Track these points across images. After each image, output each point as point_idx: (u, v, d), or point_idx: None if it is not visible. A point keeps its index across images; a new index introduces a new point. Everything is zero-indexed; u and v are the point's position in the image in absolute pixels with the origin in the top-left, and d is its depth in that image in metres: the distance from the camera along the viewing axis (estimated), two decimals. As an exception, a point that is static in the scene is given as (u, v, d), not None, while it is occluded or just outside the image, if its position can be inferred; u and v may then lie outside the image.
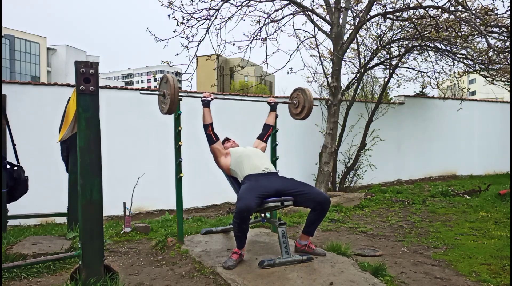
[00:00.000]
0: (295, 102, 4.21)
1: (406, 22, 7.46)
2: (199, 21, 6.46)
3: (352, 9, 7.21)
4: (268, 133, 4.05)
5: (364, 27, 7.91)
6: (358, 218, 5.69)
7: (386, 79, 9.14)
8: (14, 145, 4.21)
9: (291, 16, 7.02)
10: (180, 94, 3.39)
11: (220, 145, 3.73)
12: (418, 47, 8.30)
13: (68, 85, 6.97)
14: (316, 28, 7.08)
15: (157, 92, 3.50)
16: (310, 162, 8.27)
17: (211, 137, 3.67)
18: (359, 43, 8.17)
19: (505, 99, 13.47)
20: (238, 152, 3.69)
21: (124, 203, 4.76)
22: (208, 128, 3.67)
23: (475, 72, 9.06)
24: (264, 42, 7.02)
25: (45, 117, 6.42)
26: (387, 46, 8.43)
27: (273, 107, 4.13)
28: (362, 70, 8.45)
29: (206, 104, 3.72)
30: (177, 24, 6.36)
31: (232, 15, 6.64)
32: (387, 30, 8.21)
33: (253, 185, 3.28)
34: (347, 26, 7.50)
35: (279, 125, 4.31)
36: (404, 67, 9.29)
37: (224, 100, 8.68)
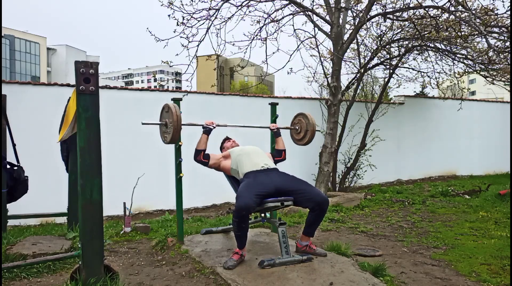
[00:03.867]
0: (297, 127, 4.18)
1: (406, 22, 7.46)
2: (199, 21, 6.46)
3: (352, 9, 7.20)
4: (281, 158, 3.97)
5: (364, 27, 7.91)
6: (358, 218, 5.69)
7: (386, 79, 9.16)
8: (14, 145, 4.20)
9: (291, 16, 7.02)
10: (182, 122, 3.31)
11: (214, 160, 3.72)
12: (418, 47, 8.30)
13: (68, 85, 6.97)
14: (316, 28, 7.08)
15: (159, 122, 3.45)
16: (310, 162, 8.26)
17: (203, 162, 3.66)
18: (359, 43, 8.16)
19: (505, 99, 13.47)
20: (237, 150, 3.71)
21: (124, 203, 4.76)
22: (199, 154, 3.63)
23: (475, 72, 9.06)
24: (264, 42, 7.01)
25: (45, 117, 6.42)
26: (387, 46, 8.42)
27: (276, 134, 4.04)
28: (362, 70, 8.45)
29: (207, 131, 3.68)
30: (177, 24, 6.35)
31: (232, 15, 6.64)
32: (387, 30, 8.21)
33: (252, 183, 3.27)
34: (347, 26, 7.50)
35: (279, 125, 4.30)
36: (404, 67, 9.29)
37: (223, 101, 8.71)
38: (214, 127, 3.71)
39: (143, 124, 3.39)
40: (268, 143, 4.34)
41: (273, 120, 4.36)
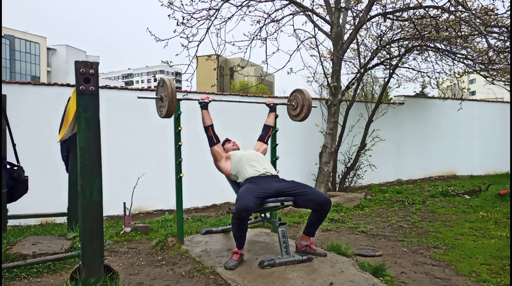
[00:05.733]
0: (293, 103, 4.21)
1: (406, 22, 7.46)
2: (199, 21, 6.46)
3: (352, 9, 7.20)
4: (269, 134, 4.03)
5: (364, 27, 7.91)
6: (358, 218, 5.69)
7: (386, 79, 9.15)
8: (14, 145, 4.21)
9: (291, 16, 7.02)
10: (177, 96, 3.38)
11: (220, 148, 3.72)
12: (418, 47, 8.30)
13: (68, 85, 6.97)
14: (316, 28, 7.08)
15: (154, 96, 3.49)
16: (310, 162, 8.27)
17: (212, 139, 3.66)
18: (359, 43, 8.16)
19: (505, 99, 13.47)
20: (238, 155, 3.67)
21: (124, 203, 4.76)
22: (209, 129, 3.67)
23: (475, 72, 9.05)
24: (264, 42, 7.01)
25: (45, 117, 6.42)
26: (387, 46, 8.42)
27: (272, 108, 4.12)
28: (362, 70, 8.45)
29: (204, 106, 3.72)
30: (177, 24, 6.35)
31: (232, 15, 6.64)
32: (387, 30, 8.21)
33: (253, 186, 3.28)
34: (347, 26, 7.50)
35: (279, 125, 4.31)
36: (404, 67, 9.29)
37: (223, 102, 8.68)
38: (210, 101, 3.77)
39: (138, 97, 3.43)
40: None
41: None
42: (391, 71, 8.82)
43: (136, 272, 3.33)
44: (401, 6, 6.88)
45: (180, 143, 3.79)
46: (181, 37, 6.37)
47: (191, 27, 6.43)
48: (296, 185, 3.39)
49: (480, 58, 8.07)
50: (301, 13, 6.95)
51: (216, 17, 6.45)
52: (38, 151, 6.33)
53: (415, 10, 6.98)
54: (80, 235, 2.66)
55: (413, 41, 8.03)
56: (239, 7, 6.57)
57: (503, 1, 5.68)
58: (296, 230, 4.78)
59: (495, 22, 6.85)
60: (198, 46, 6.51)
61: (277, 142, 4.34)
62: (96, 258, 2.60)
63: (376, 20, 7.97)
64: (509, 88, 9.32)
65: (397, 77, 9.36)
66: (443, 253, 3.89)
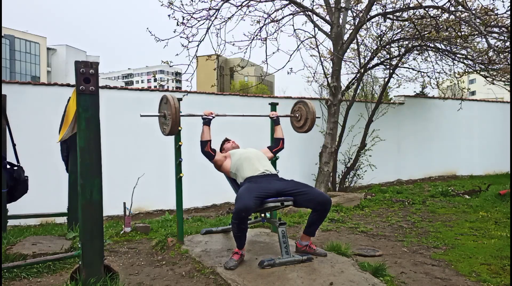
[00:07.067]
0: (297, 115, 4.20)
1: (406, 22, 7.47)
2: (199, 21, 6.46)
3: (352, 9, 7.21)
4: (279, 147, 3.99)
5: (364, 27, 7.91)
6: (358, 218, 5.69)
7: (386, 79, 9.16)
8: (14, 145, 4.21)
9: (291, 16, 7.02)
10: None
11: (219, 155, 3.72)
12: (418, 47, 8.31)
13: (68, 85, 6.97)
14: (316, 28, 7.09)
15: (157, 114, 3.47)
16: (310, 162, 8.27)
17: (209, 154, 3.63)
18: (359, 43, 8.17)
19: (505, 99, 13.47)
20: (238, 153, 3.67)
21: (124, 203, 4.76)
22: (206, 145, 3.61)
23: (475, 72, 9.06)
24: (264, 42, 7.02)
25: (45, 117, 6.42)
26: (387, 46, 8.43)
27: (276, 121, 4.09)
28: (362, 70, 8.45)
29: (207, 122, 3.66)
30: (177, 24, 6.36)
31: (232, 15, 6.64)
32: (387, 30, 8.21)
33: (252, 186, 3.28)
34: (347, 26, 7.50)
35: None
36: (404, 67, 9.29)
37: (223, 101, 8.71)
38: (213, 117, 3.70)
39: (141, 116, 3.40)
40: (267, 143, 4.33)
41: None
42: (391, 71, 8.83)
43: (136, 272, 3.33)
44: (401, 6, 6.88)
45: (180, 143, 3.79)
46: (181, 37, 6.37)
47: (191, 27, 6.43)
48: (296, 185, 3.38)
49: (480, 58, 8.07)
50: (301, 13, 6.95)
51: (216, 17, 6.46)
52: (38, 151, 6.33)
53: (415, 10, 6.98)
54: (80, 235, 2.66)
55: (413, 41, 8.04)
56: (239, 7, 6.57)
57: (503, 1, 5.68)
58: (296, 230, 4.78)
59: (495, 22, 6.85)
60: (198, 46, 6.51)
61: (277, 142, 4.33)
62: (96, 258, 2.60)
63: (376, 20, 7.98)
64: (509, 88, 9.32)
65: (397, 77, 9.37)
66: (443, 253, 3.89)
